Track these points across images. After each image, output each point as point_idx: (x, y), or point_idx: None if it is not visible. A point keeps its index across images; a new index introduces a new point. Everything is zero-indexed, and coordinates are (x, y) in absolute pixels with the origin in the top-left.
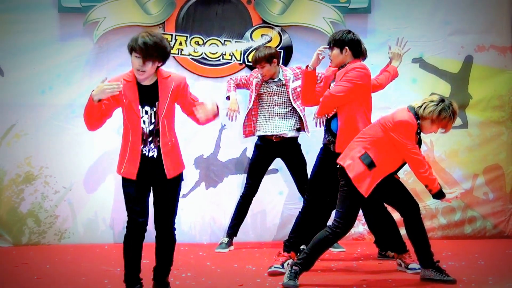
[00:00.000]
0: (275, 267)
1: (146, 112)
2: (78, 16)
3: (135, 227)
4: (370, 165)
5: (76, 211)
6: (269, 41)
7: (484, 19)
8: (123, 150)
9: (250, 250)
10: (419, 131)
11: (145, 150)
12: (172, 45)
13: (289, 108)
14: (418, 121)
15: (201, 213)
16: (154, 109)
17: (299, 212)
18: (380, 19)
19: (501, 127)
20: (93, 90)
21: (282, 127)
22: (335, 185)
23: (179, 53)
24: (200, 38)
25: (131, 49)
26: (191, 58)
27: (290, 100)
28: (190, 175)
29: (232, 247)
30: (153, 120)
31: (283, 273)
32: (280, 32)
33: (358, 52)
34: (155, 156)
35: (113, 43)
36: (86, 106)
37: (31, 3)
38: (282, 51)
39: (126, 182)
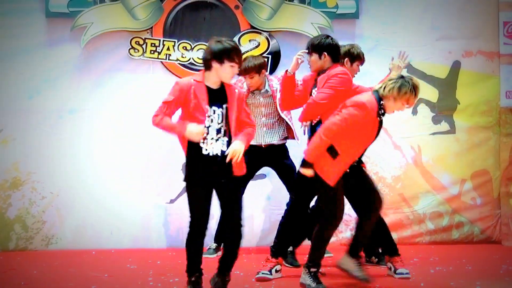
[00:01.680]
0: (262, 273)
1: (214, 112)
2: (65, 21)
3: (199, 228)
4: (334, 154)
5: (64, 217)
6: (257, 46)
7: (471, 24)
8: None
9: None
10: (381, 112)
11: (208, 149)
12: (160, 50)
13: (276, 118)
14: (381, 102)
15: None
16: (222, 110)
17: (282, 216)
18: (368, 25)
19: (488, 132)
20: (185, 123)
21: (270, 138)
22: None
23: (167, 58)
24: (188, 43)
25: (230, 56)
26: (179, 63)
27: (277, 110)
28: (178, 180)
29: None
30: (219, 120)
31: (270, 279)
32: (268, 37)
33: (337, 57)
34: (219, 154)
35: (101, 48)
36: (167, 126)
37: (18, 8)
38: (270, 56)
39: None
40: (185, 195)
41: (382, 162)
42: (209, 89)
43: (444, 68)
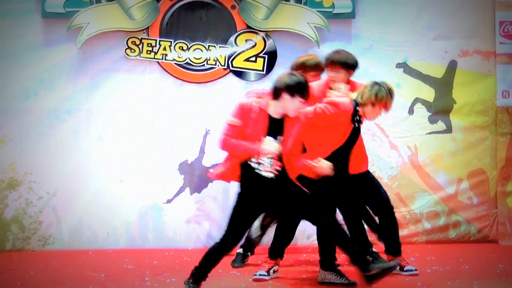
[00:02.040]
0: (260, 274)
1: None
2: (62, 21)
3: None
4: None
5: (61, 217)
6: (253, 46)
7: (468, 24)
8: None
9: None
10: (357, 118)
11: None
12: (156, 50)
13: None
14: (357, 109)
15: (186, 219)
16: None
17: None
18: (364, 24)
19: (485, 131)
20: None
21: None
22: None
23: (163, 59)
24: (184, 43)
25: (302, 93)
26: (176, 64)
27: None
28: (175, 180)
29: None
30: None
31: (267, 280)
32: (265, 37)
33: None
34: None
35: (97, 48)
36: (238, 148)
37: (15, 9)
38: (266, 56)
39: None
40: (181, 195)
41: (379, 161)
42: (270, 118)
43: (440, 68)
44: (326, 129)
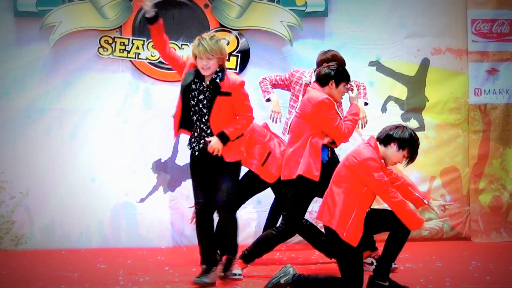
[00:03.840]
0: (239, 274)
1: None
2: (34, 20)
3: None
4: None
5: (33, 217)
6: (226, 45)
7: (440, 22)
8: None
9: None
10: None
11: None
12: (129, 49)
13: None
14: None
15: (159, 218)
16: None
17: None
18: (337, 23)
19: (457, 129)
20: None
21: None
22: None
23: (136, 57)
24: None
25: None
26: (148, 62)
27: None
28: (148, 179)
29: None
30: None
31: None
32: (238, 36)
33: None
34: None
35: (70, 47)
36: None
37: None
38: (239, 55)
39: None
40: (155, 194)
41: None
42: None
43: (413, 66)
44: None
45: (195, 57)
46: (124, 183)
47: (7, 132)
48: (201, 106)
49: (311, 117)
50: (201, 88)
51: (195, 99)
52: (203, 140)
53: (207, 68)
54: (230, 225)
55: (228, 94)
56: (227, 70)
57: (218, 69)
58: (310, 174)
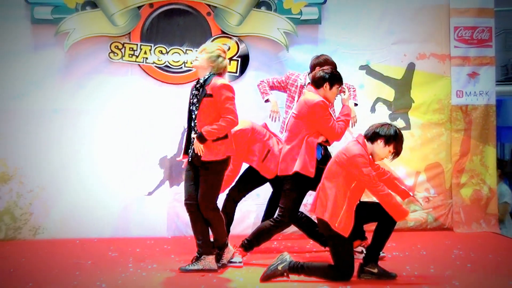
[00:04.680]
0: (239, 262)
1: None
2: (49, 27)
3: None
4: None
5: (49, 209)
6: (227, 50)
7: (425, 29)
8: None
9: None
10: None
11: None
12: (137, 54)
13: None
14: None
15: (165, 209)
16: None
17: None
18: (329, 30)
19: (440, 128)
20: None
21: None
22: None
23: (144, 62)
24: (163, 47)
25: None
26: (155, 66)
27: None
28: (155, 174)
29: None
30: None
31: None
32: (238, 41)
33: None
34: None
35: (83, 52)
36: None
37: (6, 15)
38: (239, 59)
39: None
40: (162, 188)
41: None
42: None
43: (399, 70)
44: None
45: None
46: (133, 178)
47: (24, 131)
48: (194, 109)
49: (307, 117)
50: (195, 92)
51: (192, 105)
52: (192, 141)
53: (195, 59)
54: (211, 221)
55: (210, 95)
56: (216, 76)
57: (208, 74)
58: (306, 171)
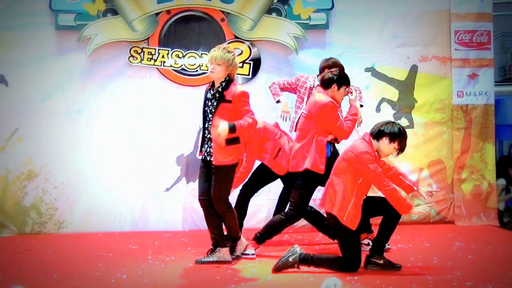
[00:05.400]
0: (252, 254)
1: None
2: (73, 33)
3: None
4: None
5: (73, 204)
6: (240, 54)
7: (427, 33)
8: None
9: None
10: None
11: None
12: (155, 58)
13: None
14: None
15: (182, 204)
16: None
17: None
18: (336, 34)
19: (442, 127)
20: None
21: None
22: None
23: (162, 65)
24: (180, 51)
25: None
26: (173, 69)
27: None
28: (172, 171)
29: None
30: None
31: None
32: (250, 46)
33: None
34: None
35: (104, 56)
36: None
37: (32, 22)
38: (252, 62)
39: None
40: (179, 184)
41: None
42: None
43: (403, 71)
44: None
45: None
46: (152, 175)
47: (49, 130)
48: (208, 112)
49: (316, 117)
50: (210, 96)
51: (207, 107)
52: (206, 145)
53: (212, 72)
54: (223, 216)
55: (229, 101)
56: (234, 81)
57: (224, 79)
58: (316, 168)
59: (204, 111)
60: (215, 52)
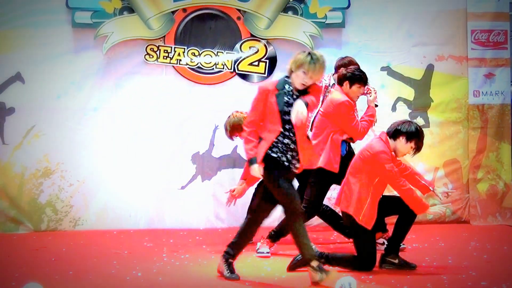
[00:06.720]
0: (267, 252)
1: None
2: (89, 31)
3: None
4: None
5: (88, 202)
6: (256, 52)
7: (443, 32)
8: None
9: None
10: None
11: None
12: (171, 56)
13: None
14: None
15: (197, 203)
16: None
17: None
18: (352, 33)
19: (458, 126)
20: None
21: None
22: None
23: (178, 63)
24: (196, 49)
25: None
26: (189, 68)
27: None
28: (188, 169)
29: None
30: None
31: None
32: (266, 44)
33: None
34: None
35: (120, 54)
36: None
37: (49, 20)
38: (267, 61)
39: None
40: (194, 182)
41: None
42: None
43: (419, 71)
44: None
45: (298, 68)
46: (167, 173)
47: (66, 128)
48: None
49: (332, 115)
50: (291, 101)
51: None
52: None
53: (305, 84)
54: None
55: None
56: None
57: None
58: (330, 167)
59: (283, 115)
60: (320, 67)
